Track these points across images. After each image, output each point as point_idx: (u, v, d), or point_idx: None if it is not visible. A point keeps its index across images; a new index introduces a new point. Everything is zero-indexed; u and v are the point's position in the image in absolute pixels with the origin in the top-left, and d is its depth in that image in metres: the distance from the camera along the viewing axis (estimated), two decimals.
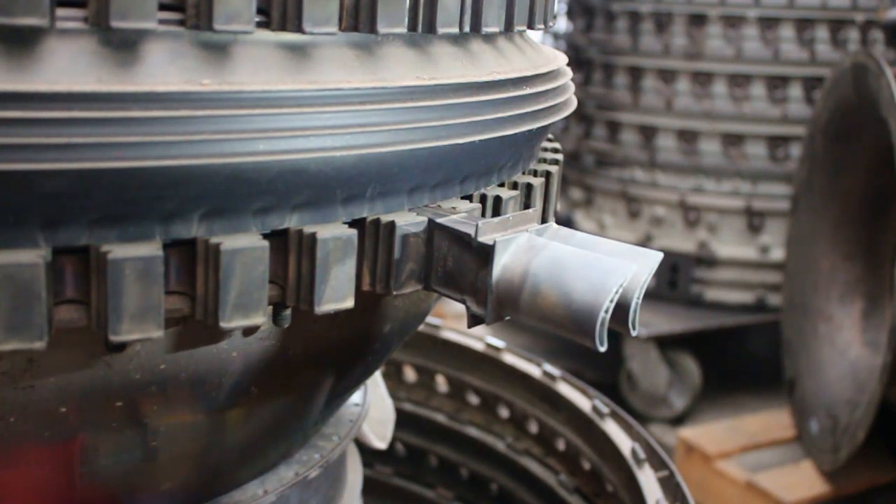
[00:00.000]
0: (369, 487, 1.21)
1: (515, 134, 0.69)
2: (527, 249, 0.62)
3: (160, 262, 0.52)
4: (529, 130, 0.71)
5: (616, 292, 0.58)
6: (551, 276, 0.60)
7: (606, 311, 0.58)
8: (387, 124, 0.59)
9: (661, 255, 0.64)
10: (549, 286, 0.60)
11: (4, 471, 0.67)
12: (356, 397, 1.05)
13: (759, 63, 3.16)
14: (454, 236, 0.62)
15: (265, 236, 0.56)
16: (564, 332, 0.60)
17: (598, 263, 0.60)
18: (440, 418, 1.49)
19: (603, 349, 0.59)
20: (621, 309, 0.60)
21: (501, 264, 0.61)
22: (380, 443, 1.20)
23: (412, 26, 0.62)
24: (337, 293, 0.59)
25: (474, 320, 0.63)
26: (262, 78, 0.55)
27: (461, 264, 0.62)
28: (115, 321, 0.52)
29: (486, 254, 0.61)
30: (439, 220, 0.63)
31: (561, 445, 1.31)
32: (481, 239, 0.61)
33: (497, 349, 1.41)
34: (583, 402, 1.26)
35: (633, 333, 0.62)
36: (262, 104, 0.54)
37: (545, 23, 0.82)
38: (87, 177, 0.49)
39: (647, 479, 1.07)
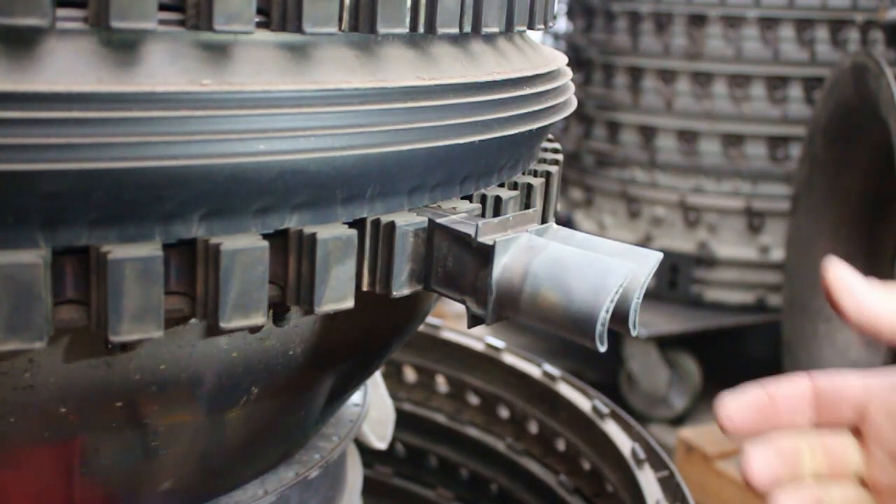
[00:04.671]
0: (369, 487, 1.21)
1: (515, 134, 0.69)
2: (527, 250, 0.62)
3: (160, 263, 0.52)
4: (529, 131, 0.71)
5: (616, 292, 0.58)
6: (551, 276, 0.60)
7: (607, 311, 0.58)
8: (387, 124, 0.59)
9: (660, 256, 0.63)
10: (549, 286, 0.60)
11: (4, 471, 0.67)
12: (356, 397, 1.05)
13: (759, 63, 3.16)
14: (454, 236, 0.62)
15: (265, 236, 0.56)
16: (564, 332, 0.60)
17: (598, 263, 0.60)
18: (440, 418, 1.49)
19: (603, 349, 0.59)
20: (621, 309, 0.60)
21: (501, 264, 0.61)
22: (380, 443, 1.20)
23: (412, 27, 0.62)
24: (337, 293, 0.59)
25: (474, 320, 0.63)
26: (262, 78, 0.55)
27: (461, 264, 0.62)
28: (115, 321, 0.52)
29: (486, 254, 0.61)
30: (439, 221, 0.63)
31: (561, 446, 1.31)
32: (481, 239, 0.61)
33: (497, 349, 1.41)
34: (583, 402, 1.26)
35: (634, 333, 0.61)
36: (263, 104, 0.54)
37: (545, 23, 0.82)
38: (87, 177, 0.49)
39: (647, 480, 1.07)
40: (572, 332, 0.60)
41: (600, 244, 0.64)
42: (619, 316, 0.61)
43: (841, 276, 0.58)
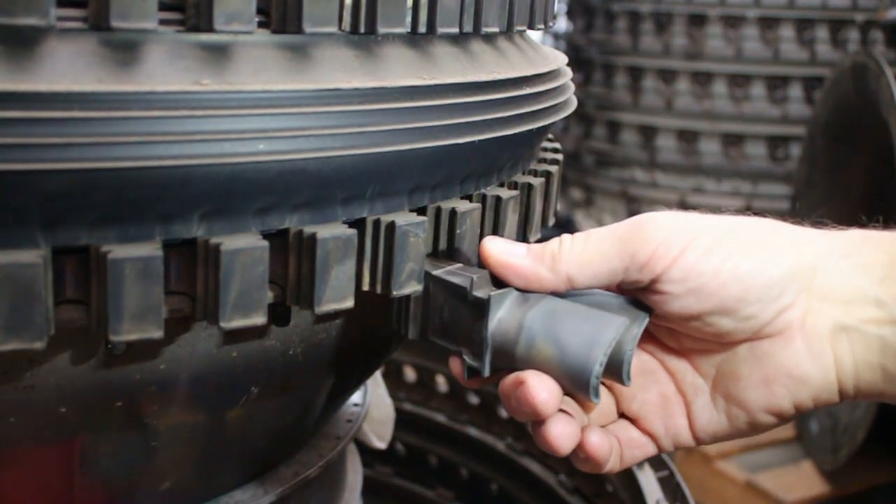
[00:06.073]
0: (369, 487, 1.21)
1: (515, 134, 0.69)
2: (521, 302, 0.63)
3: (160, 262, 0.52)
4: (529, 130, 0.71)
5: (610, 346, 0.59)
6: (546, 329, 0.61)
7: (601, 365, 0.59)
8: (387, 124, 0.59)
9: (651, 312, 0.64)
10: (544, 339, 0.61)
11: (4, 470, 0.67)
12: (356, 397, 1.05)
13: (759, 63, 3.16)
14: (449, 289, 0.63)
15: (265, 236, 0.56)
16: (560, 383, 0.61)
17: (591, 317, 0.61)
18: (440, 418, 1.49)
19: (597, 402, 0.60)
20: (615, 362, 0.61)
21: (497, 318, 0.62)
22: (380, 443, 1.20)
23: (413, 26, 0.62)
24: (337, 293, 0.59)
25: (471, 372, 0.64)
26: (262, 78, 0.55)
27: (457, 316, 0.63)
28: (115, 321, 0.52)
29: (481, 307, 0.62)
30: (435, 273, 0.63)
31: None
32: (476, 293, 0.62)
33: None
34: None
35: (628, 384, 0.63)
36: (263, 104, 0.54)
37: (545, 23, 0.82)
38: (87, 177, 0.49)
39: (647, 479, 1.07)
40: (567, 385, 0.61)
41: (595, 296, 0.65)
42: (613, 368, 0.62)
43: (493, 248, 0.65)
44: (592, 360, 0.59)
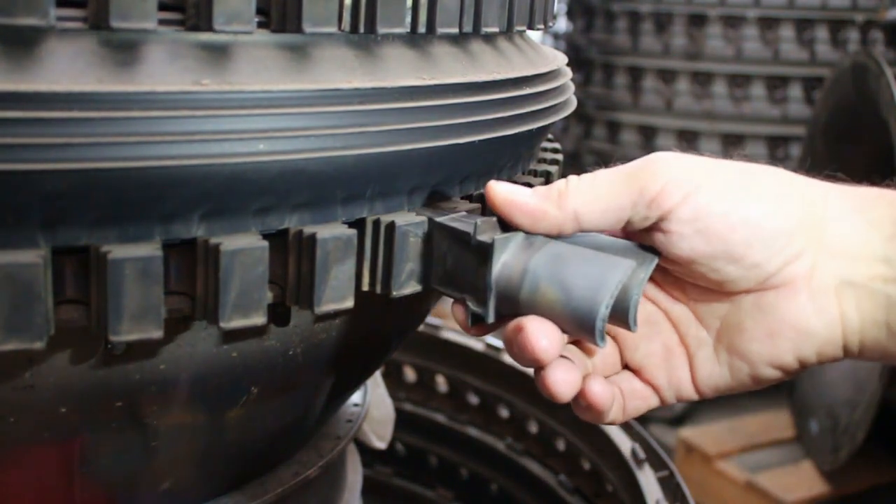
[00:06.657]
0: (369, 487, 1.21)
1: (515, 134, 0.69)
2: (526, 247, 0.62)
3: (160, 263, 0.52)
4: (529, 130, 0.71)
5: (616, 288, 0.58)
6: (551, 272, 0.60)
7: (606, 308, 0.58)
8: (387, 124, 0.59)
9: (659, 256, 0.63)
10: (549, 283, 0.60)
11: (4, 470, 0.67)
12: (356, 397, 1.05)
13: (759, 63, 3.16)
14: (453, 235, 0.62)
15: (265, 236, 0.56)
16: (565, 328, 0.60)
17: (597, 260, 0.60)
18: (440, 418, 1.49)
19: (603, 345, 0.59)
20: (621, 305, 0.60)
21: (500, 262, 0.61)
22: (380, 443, 1.20)
23: (412, 27, 0.62)
24: (337, 293, 0.59)
25: (475, 318, 0.63)
26: (262, 78, 0.55)
27: (461, 263, 0.62)
28: (115, 321, 0.52)
29: (484, 252, 0.61)
30: (438, 219, 0.63)
31: (561, 445, 1.31)
32: (480, 237, 0.61)
33: (497, 349, 1.41)
34: None
35: (634, 330, 0.62)
36: (263, 104, 0.54)
37: (545, 23, 0.82)
38: (87, 177, 0.49)
39: (647, 479, 1.07)
40: (572, 329, 0.60)
41: (601, 241, 0.64)
42: (619, 313, 0.61)
43: (499, 189, 0.64)
44: (598, 302, 0.58)
